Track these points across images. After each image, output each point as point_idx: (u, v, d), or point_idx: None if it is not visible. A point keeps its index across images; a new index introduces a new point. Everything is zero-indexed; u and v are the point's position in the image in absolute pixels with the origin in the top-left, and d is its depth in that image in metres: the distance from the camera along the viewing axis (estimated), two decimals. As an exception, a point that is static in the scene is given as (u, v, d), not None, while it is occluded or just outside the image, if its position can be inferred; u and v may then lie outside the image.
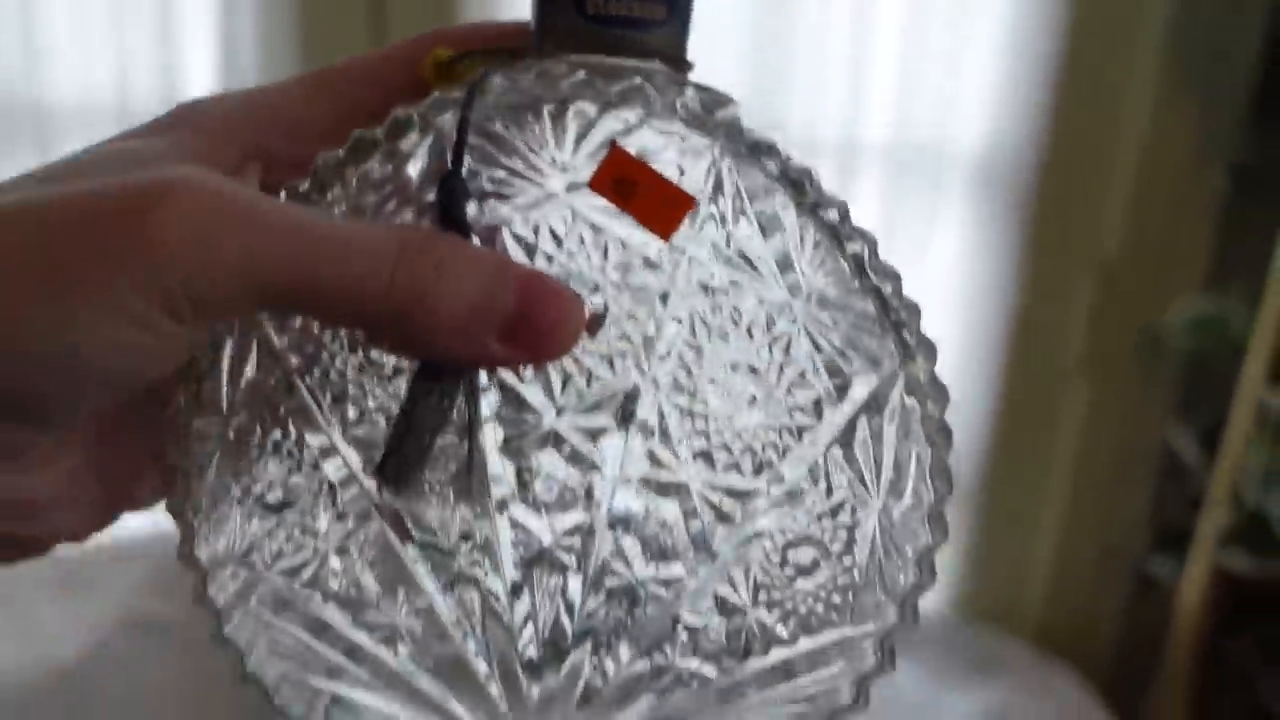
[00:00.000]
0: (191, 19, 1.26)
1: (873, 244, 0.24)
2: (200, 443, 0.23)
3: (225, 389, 0.23)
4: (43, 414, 0.20)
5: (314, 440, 0.23)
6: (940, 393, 0.24)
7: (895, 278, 0.24)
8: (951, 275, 1.36)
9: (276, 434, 0.23)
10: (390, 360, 0.22)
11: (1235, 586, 1.19)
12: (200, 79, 1.28)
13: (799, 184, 0.23)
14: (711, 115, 0.23)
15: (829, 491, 0.23)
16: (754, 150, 0.23)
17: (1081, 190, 1.32)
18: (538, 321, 0.21)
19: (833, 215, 0.23)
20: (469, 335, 0.20)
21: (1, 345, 0.19)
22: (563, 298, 0.21)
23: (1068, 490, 1.43)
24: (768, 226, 0.23)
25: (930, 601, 1.24)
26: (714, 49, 1.25)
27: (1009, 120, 1.30)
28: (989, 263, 1.35)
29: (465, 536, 0.22)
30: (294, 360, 0.23)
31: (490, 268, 0.21)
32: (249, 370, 0.23)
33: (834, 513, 0.23)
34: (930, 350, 0.24)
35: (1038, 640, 1.43)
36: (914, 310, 0.24)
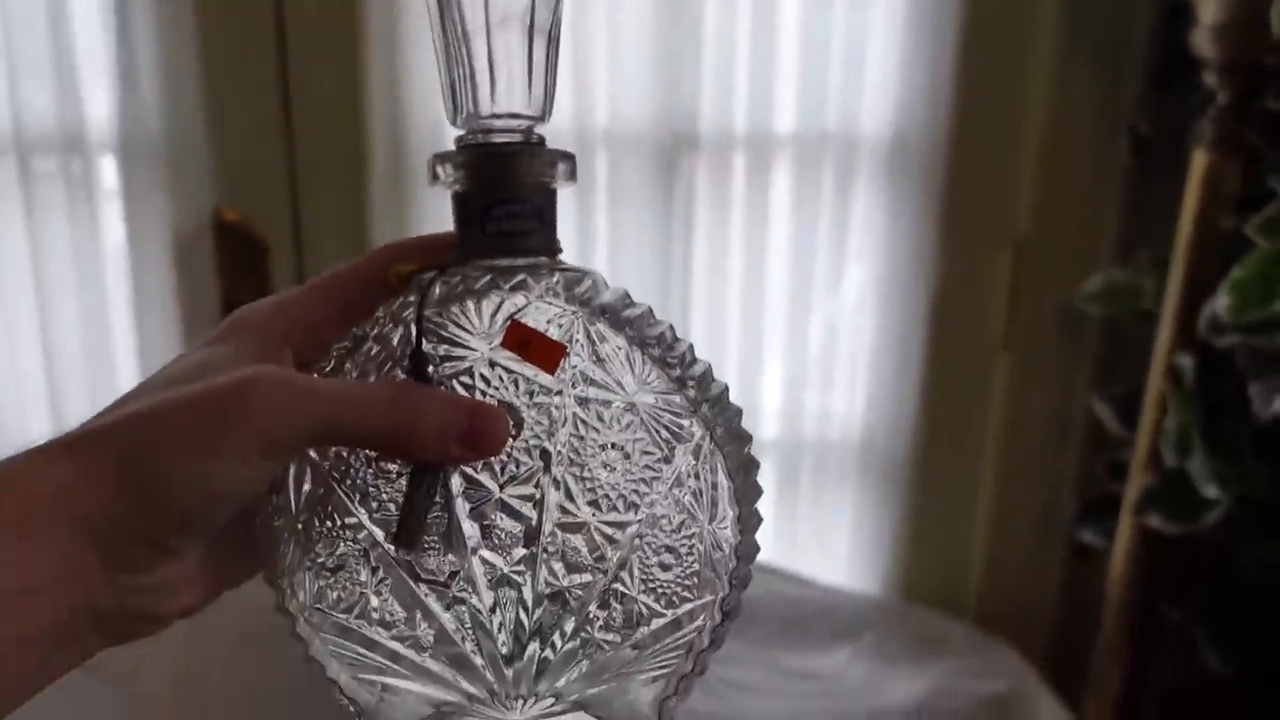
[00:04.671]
0: (87, 48, 1.24)
1: (682, 358, 0.35)
2: (281, 533, 0.35)
3: (293, 498, 0.35)
4: (189, 527, 0.32)
5: (350, 523, 0.34)
6: (738, 440, 0.36)
7: (703, 378, 0.35)
8: (869, 259, 1.37)
9: (327, 522, 0.35)
10: (394, 467, 0.34)
11: (1168, 550, 1.21)
12: (98, 108, 1.26)
13: (629, 323, 0.35)
14: (570, 291, 0.35)
15: (674, 516, 0.34)
16: (600, 310, 0.35)
17: (990, 169, 1.34)
18: (481, 432, 0.32)
19: (652, 346, 0.35)
20: (440, 446, 0.32)
21: (170, 486, 0.30)
22: (495, 416, 0.33)
23: (999, 467, 1.45)
24: (612, 356, 0.35)
25: (870, 586, 1.23)
26: (626, 61, 1.26)
27: (913, 104, 1.31)
28: (905, 246, 1.36)
29: (454, 573, 0.34)
30: (333, 473, 0.35)
31: (448, 403, 0.33)
32: (306, 484, 0.35)
33: (679, 529, 0.34)
34: (728, 415, 0.36)
35: (978, 620, 1.44)
36: (716, 393, 0.36)
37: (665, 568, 0.34)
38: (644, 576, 0.34)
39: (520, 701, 0.35)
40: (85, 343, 1.32)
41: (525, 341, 0.34)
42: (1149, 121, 1.28)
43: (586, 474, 0.34)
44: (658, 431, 0.34)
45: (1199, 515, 1.10)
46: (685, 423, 0.35)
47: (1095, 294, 1.28)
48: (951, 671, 1.27)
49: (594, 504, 0.34)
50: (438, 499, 0.33)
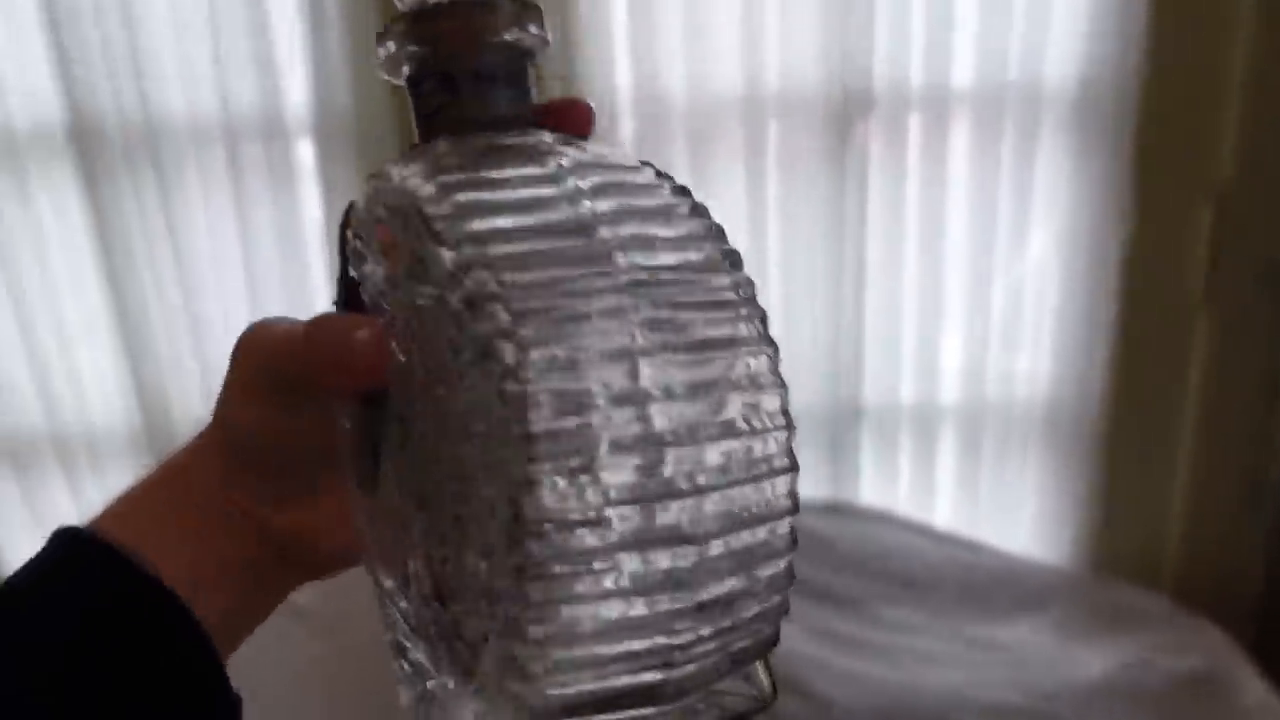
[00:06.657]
0: (285, 41, 1.32)
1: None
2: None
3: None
4: (279, 467, 0.35)
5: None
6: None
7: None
8: (1055, 216, 1.31)
9: None
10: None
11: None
12: (295, 95, 1.34)
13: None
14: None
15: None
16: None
17: (1188, 114, 1.26)
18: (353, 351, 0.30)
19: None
20: (339, 377, 0.30)
21: (233, 435, 0.34)
22: (369, 333, 0.30)
23: (1199, 430, 1.37)
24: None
25: (1057, 557, 1.17)
26: (798, 16, 1.25)
27: (1102, 48, 1.24)
28: (1096, 199, 1.30)
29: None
30: None
31: (344, 329, 0.30)
32: None
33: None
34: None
35: (1176, 594, 1.36)
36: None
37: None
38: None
39: None
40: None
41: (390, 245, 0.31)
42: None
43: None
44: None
45: None
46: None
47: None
48: (1146, 646, 1.21)
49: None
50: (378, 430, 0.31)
